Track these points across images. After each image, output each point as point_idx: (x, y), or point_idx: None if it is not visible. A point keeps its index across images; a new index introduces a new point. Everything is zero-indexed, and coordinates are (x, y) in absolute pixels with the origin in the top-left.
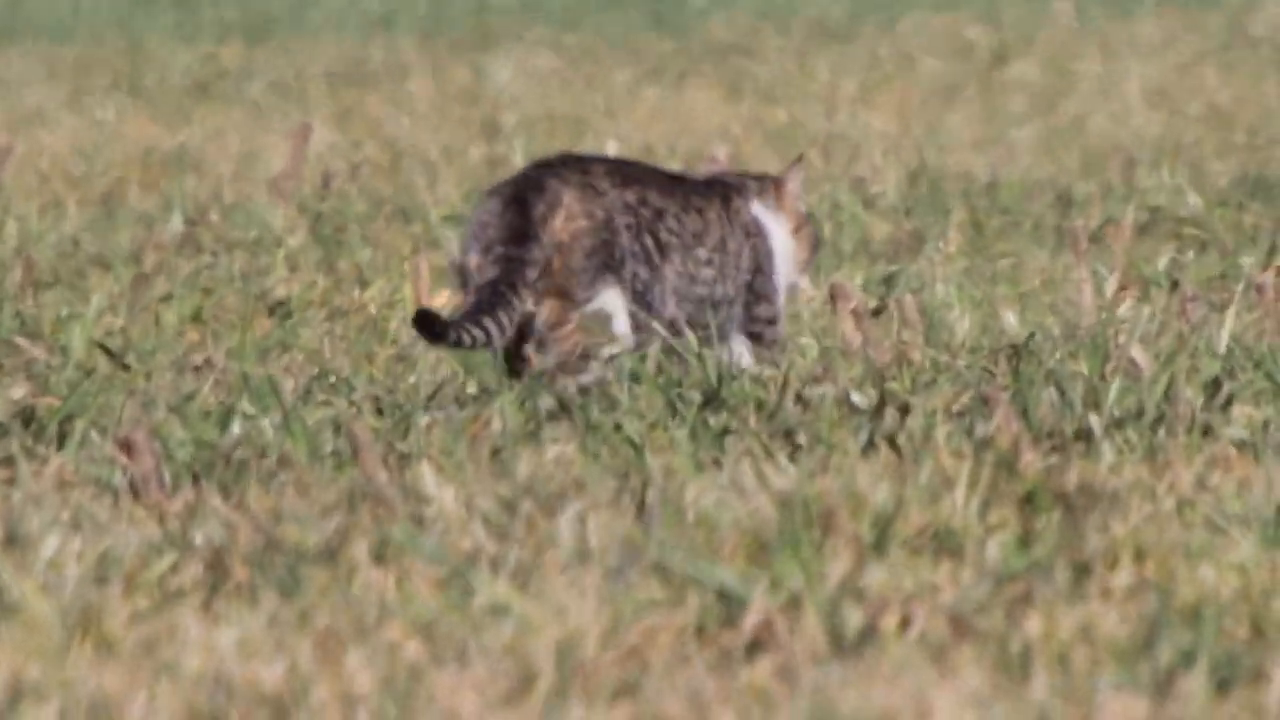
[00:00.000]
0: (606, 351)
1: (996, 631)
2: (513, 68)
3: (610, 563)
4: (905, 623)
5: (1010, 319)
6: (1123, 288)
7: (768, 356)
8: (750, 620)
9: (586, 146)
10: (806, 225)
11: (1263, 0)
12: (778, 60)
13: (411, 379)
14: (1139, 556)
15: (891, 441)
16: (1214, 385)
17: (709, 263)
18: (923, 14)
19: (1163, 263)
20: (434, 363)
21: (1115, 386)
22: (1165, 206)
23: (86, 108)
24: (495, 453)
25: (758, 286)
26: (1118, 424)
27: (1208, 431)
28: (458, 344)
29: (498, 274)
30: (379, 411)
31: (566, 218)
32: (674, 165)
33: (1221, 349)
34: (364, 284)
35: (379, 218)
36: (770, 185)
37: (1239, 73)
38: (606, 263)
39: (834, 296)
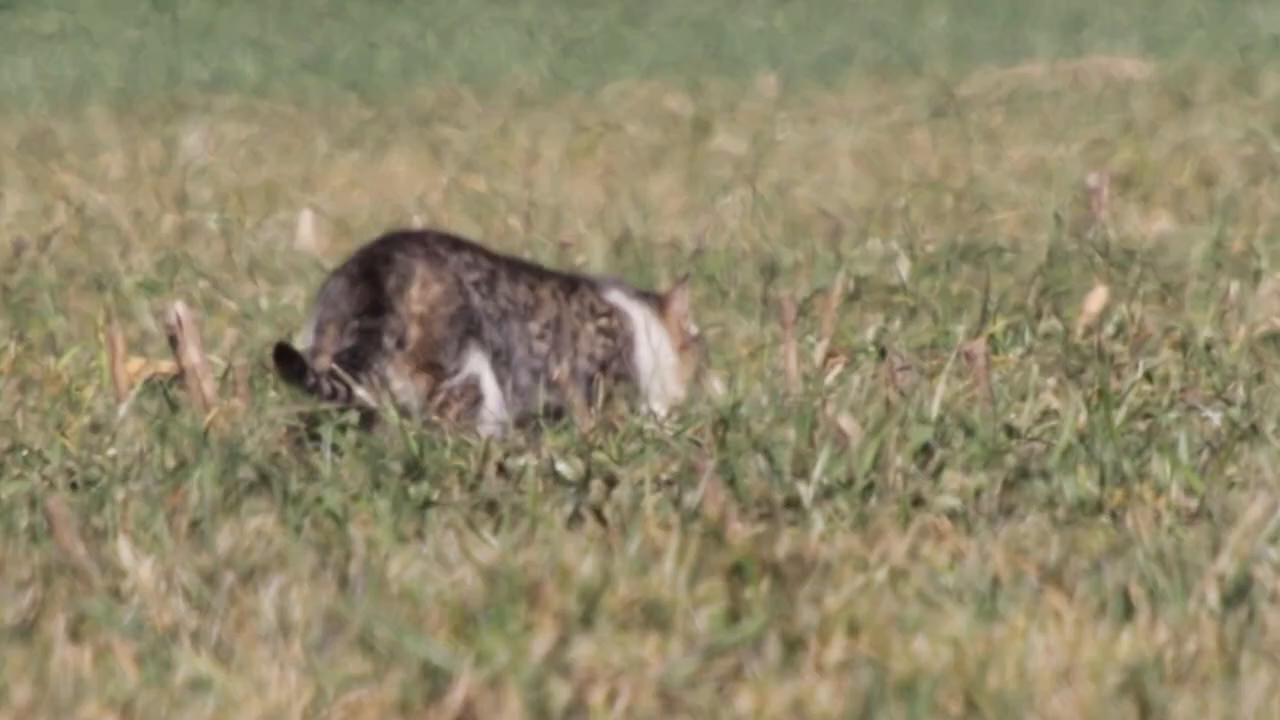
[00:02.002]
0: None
1: (706, 707)
2: (205, 137)
3: (313, 636)
4: (613, 697)
5: (717, 387)
6: (831, 354)
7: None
8: (455, 696)
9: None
10: (694, 344)
11: (969, 69)
12: (478, 127)
13: (110, 451)
14: (852, 630)
15: (598, 513)
16: (925, 453)
17: (541, 336)
18: (625, 83)
19: (871, 331)
20: (130, 435)
21: (824, 454)
22: (873, 275)
23: None
24: (194, 525)
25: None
26: (827, 493)
27: (919, 501)
28: (313, 389)
29: (355, 343)
30: (73, 485)
31: (422, 286)
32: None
33: (933, 416)
34: (56, 353)
35: (70, 287)
36: (653, 301)
37: (947, 138)
38: (468, 329)
39: None
